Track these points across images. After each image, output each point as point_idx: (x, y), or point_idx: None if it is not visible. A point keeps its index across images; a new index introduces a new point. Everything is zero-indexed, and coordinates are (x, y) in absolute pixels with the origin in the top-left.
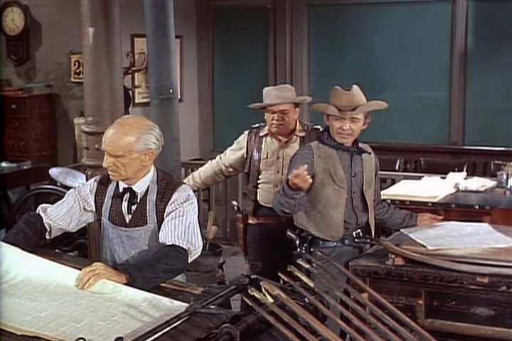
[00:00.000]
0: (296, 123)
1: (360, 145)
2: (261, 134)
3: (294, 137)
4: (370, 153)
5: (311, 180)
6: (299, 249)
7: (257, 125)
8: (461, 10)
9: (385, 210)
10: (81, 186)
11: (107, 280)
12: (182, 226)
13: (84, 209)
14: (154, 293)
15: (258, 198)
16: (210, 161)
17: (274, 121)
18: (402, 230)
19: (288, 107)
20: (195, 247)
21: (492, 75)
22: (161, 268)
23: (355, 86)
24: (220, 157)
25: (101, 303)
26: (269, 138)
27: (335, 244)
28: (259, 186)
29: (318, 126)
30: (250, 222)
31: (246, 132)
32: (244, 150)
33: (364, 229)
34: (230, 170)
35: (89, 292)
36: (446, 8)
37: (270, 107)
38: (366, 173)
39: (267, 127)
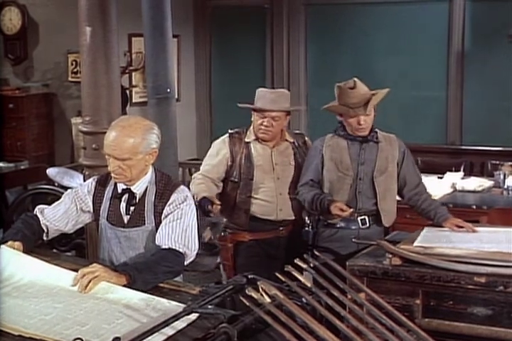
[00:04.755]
0: (282, 131)
1: (380, 135)
2: (247, 140)
3: (286, 143)
4: (390, 144)
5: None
6: (306, 228)
7: (234, 130)
8: (458, 9)
9: (418, 204)
10: (79, 187)
11: (107, 282)
12: (179, 229)
13: (82, 210)
14: (151, 293)
15: (252, 209)
16: (196, 183)
17: (263, 127)
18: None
19: (280, 114)
20: (190, 251)
21: (489, 75)
22: (160, 269)
23: (356, 79)
24: (203, 174)
25: (105, 306)
26: (258, 145)
27: (339, 225)
28: (255, 196)
29: (299, 131)
30: (242, 239)
31: (225, 139)
32: (229, 158)
33: (374, 216)
34: (221, 184)
35: (93, 295)
36: (443, 7)
37: (263, 111)
38: (379, 161)
39: (250, 132)
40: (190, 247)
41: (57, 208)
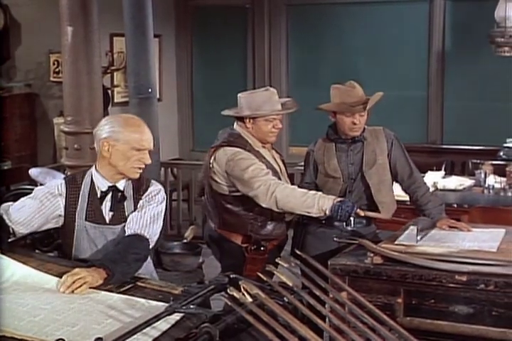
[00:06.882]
0: None
1: (366, 131)
2: (256, 149)
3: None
4: (377, 138)
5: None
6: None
7: (231, 143)
8: (439, 9)
9: (415, 197)
10: (44, 189)
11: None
12: (147, 216)
13: (51, 214)
14: (132, 294)
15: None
16: (282, 186)
17: (275, 129)
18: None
19: None
20: (151, 237)
21: (470, 75)
22: (131, 257)
23: (353, 81)
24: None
25: (93, 307)
26: (264, 151)
27: (324, 221)
28: None
29: None
30: (271, 247)
31: (245, 152)
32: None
33: (369, 208)
34: None
35: (78, 295)
36: (423, 7)
37: (276, 115)
38: (366, 156)
39: (252, 140)
40: (150, 235)
41: (24, 210)
